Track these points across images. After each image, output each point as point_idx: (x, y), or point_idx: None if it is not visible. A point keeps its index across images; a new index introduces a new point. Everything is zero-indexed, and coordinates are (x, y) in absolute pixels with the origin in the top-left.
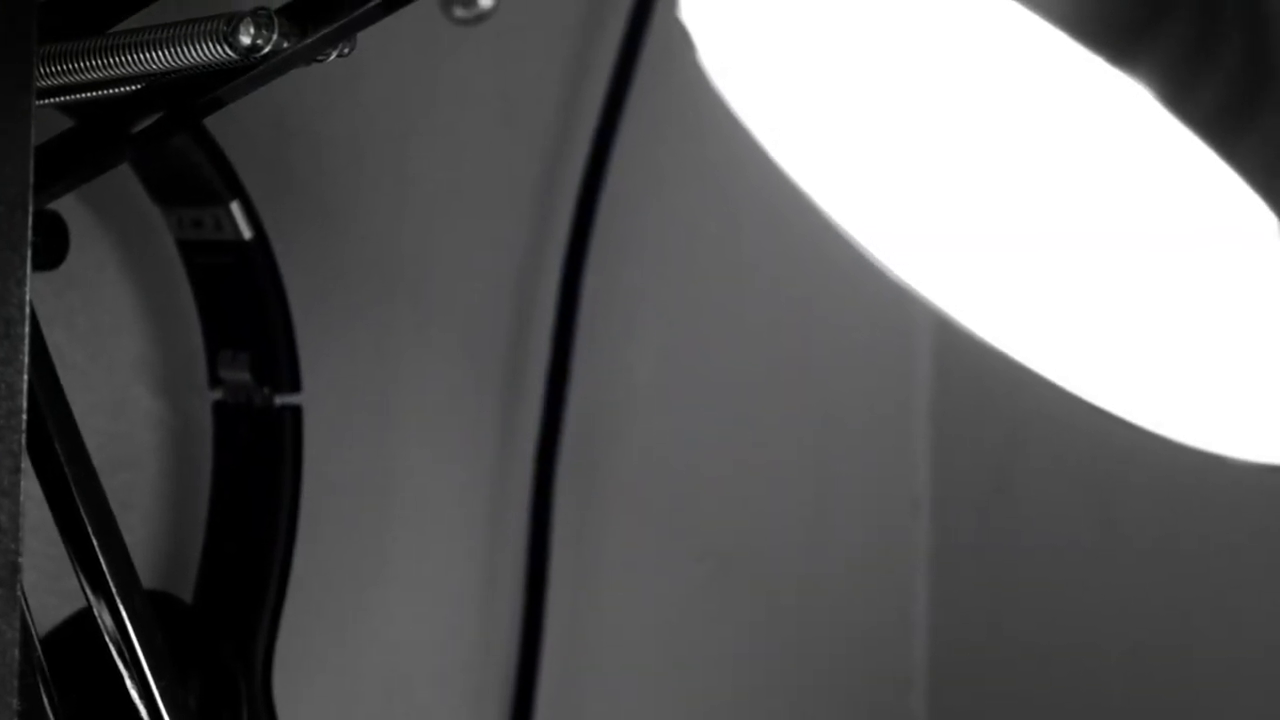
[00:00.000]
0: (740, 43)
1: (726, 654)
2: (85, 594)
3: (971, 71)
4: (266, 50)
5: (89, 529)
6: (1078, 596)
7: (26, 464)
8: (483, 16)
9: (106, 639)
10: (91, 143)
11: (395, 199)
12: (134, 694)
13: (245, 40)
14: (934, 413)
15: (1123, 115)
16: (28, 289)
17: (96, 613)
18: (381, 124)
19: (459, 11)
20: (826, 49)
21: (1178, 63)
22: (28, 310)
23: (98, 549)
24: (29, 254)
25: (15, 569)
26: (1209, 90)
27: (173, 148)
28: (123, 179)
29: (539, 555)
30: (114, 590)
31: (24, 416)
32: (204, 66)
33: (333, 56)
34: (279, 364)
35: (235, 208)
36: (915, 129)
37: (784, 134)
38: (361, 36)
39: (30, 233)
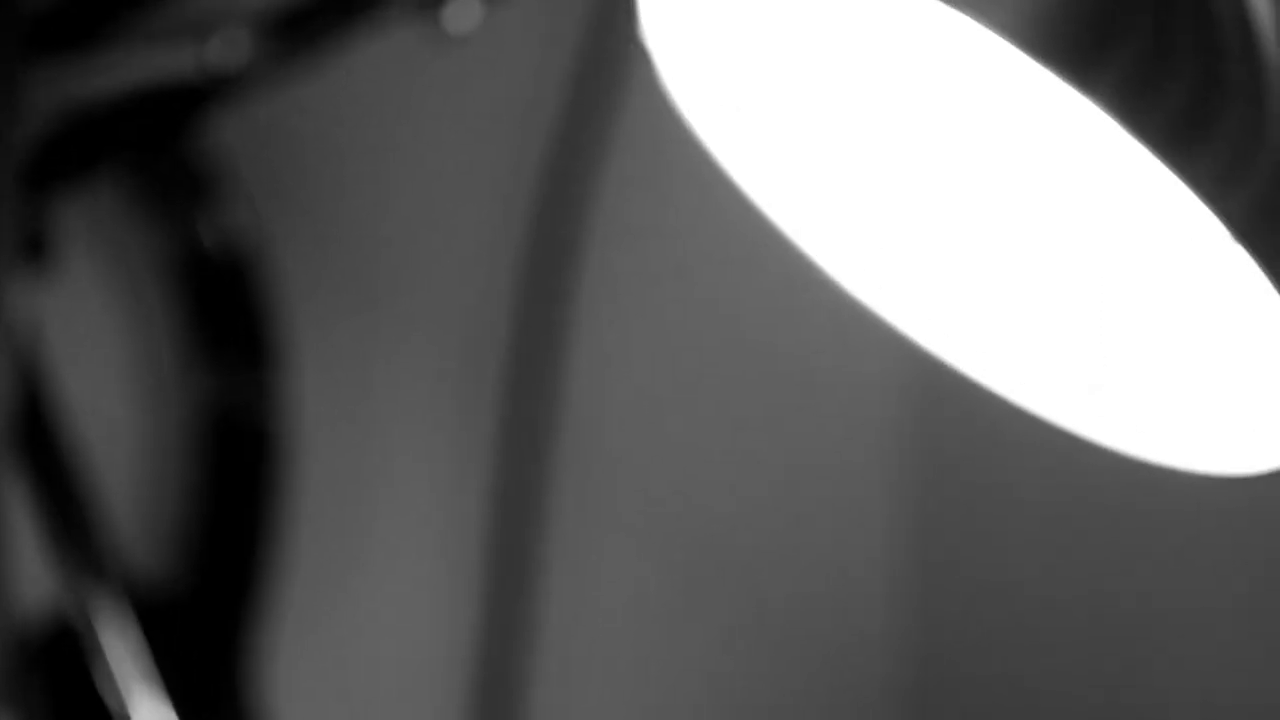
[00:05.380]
0: (703, 66)
1: (704, 654)
2: (65, 592)
3: (937, 93)
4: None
5: (71, 528)
6: (1060, 595)
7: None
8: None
9: (87, 637)
10: (79, 148)
11: (376, 199)
12: (113, 691)
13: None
14: (915, 411)
15: (1081, 130)
16: (12, 290)
17: (77, 610)
18: (361, 127)
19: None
20: (790, 69)
21: (1134, 78)
22: (13, 309)
23: (79, 548)
24: (13, 255)
25: (0, 566)
26: (1163, 107)
27: (159, 154)
28: (109, 182)
29: (518, 550)
30: (95, 589)
31: (8, 416)
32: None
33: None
34: (260, 365)
35: (222, 212)
36: (879, 151)
37: (743, 152)
38: None
39: (13, 234)
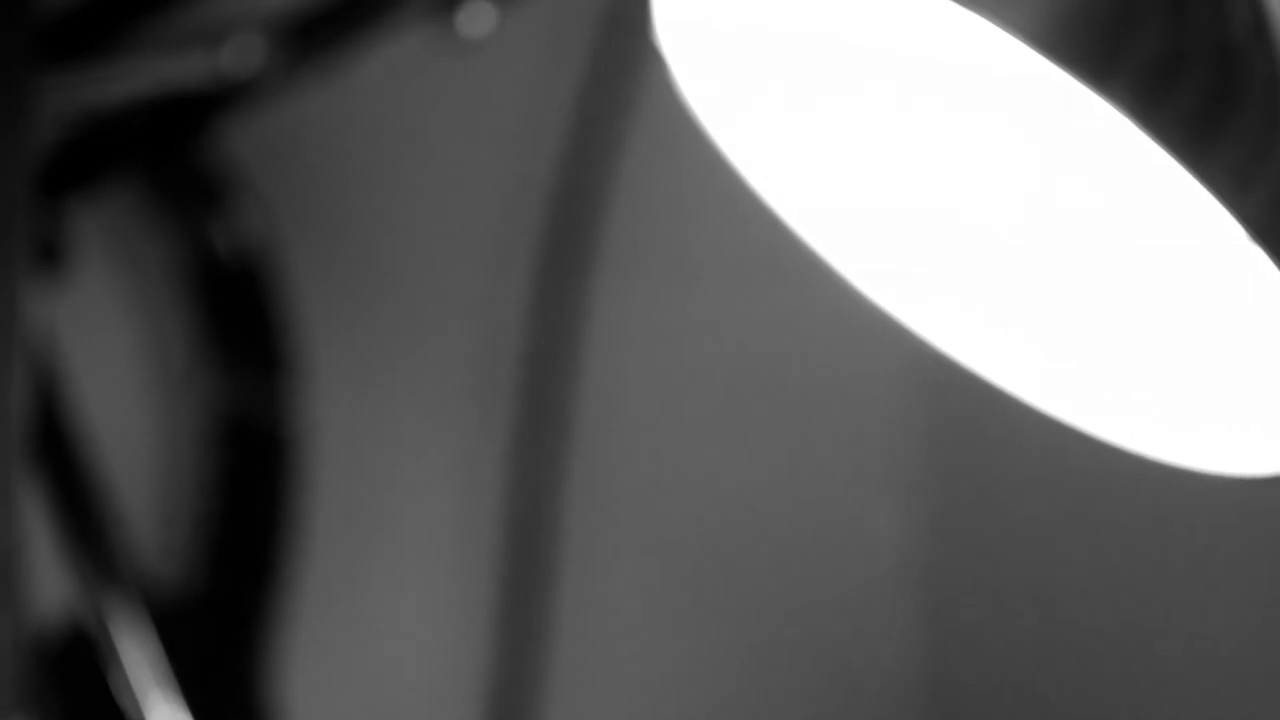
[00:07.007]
0: (716, 68)
1: (716, 661)
2: (80, 596)
3: (950, 94)
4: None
5: (86, 533)
6: (1073, 601)
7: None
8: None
9: (102, 641)
10: (93, 154)
11: (389, 204)
12: (129, 695)
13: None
14: (928, 416)
15: (1095, 129)
16: (27, 296)
17: (92, 615)
18: (374, 132)
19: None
20: (803, 71)
21: (1149, 78)
22: (28, 314)
23: (94, 552)
24: (28, 260)
25: (16, 570)
26: (1178, 107)
27: (173, 160)
28: (123, 187)
29: (531, 554)
30: (110, 593)
31: (23, 421)
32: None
33: None
34: (273, 369)
35: (235, 217)
36: (892, 152)
37: (755, 154)
38: None
39: (28, 240)
